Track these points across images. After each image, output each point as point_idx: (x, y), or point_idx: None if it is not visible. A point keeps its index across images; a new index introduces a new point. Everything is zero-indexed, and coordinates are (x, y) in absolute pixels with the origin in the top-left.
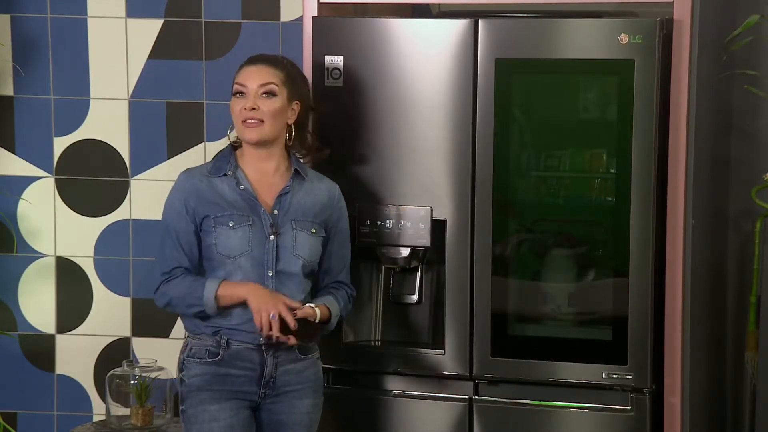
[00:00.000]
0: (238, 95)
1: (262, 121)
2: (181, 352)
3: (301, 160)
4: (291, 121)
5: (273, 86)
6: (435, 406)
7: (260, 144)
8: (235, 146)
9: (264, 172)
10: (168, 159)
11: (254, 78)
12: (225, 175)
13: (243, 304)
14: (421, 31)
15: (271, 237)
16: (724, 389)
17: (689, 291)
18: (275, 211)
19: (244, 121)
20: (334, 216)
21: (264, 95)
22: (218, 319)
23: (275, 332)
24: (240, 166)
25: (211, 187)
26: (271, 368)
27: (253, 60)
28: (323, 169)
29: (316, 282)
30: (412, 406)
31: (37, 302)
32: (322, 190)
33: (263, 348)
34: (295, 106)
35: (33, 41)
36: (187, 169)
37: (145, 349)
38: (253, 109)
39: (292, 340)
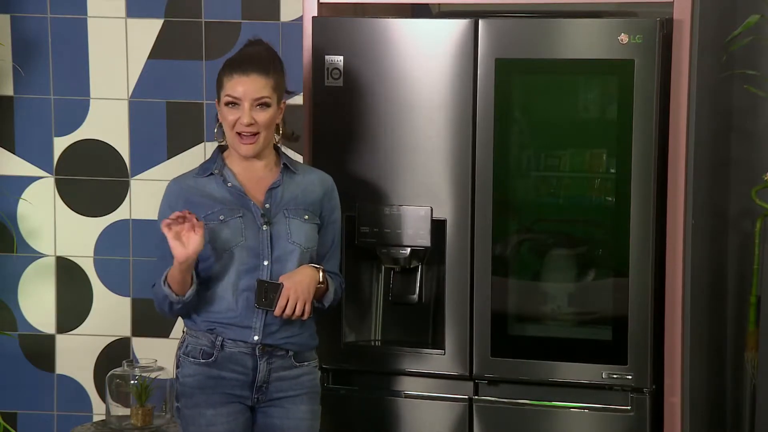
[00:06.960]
0: (230, 105)
1: (258, 133)
2: (178, 348)
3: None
4: (278, 121)
5: (267, 99)
6: (435, 406)
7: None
8: (222, 147)
9: (252, 169)
10: (168, 159)
11: (248, 91)
12: (212, 174)
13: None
14: (421, 31)
15: (264, 227)
16: (724, 389)
17: (689, 291)
18: (267, 205)
19: (239, 134)
20: (329, 207)
21: (258, 107)
22: (212, 313)
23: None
24: (227, 165)
25: (199, 188)
26: (264, 374)
27: (244, 68)
28: (324, 168)
29: None
30: (412, 406)
31: (37, 302)
32: (315, 182)
33: (257, 353)
34: (282, 105)
35: (33, 41)
36: (175, 177)
37: (145, 349)
38: (251, 124)
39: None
